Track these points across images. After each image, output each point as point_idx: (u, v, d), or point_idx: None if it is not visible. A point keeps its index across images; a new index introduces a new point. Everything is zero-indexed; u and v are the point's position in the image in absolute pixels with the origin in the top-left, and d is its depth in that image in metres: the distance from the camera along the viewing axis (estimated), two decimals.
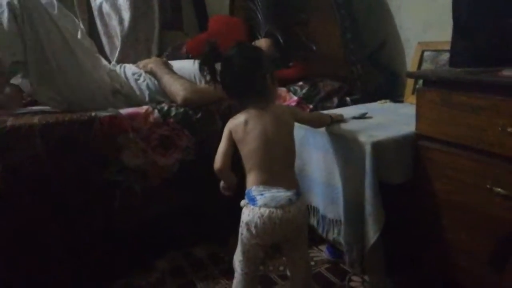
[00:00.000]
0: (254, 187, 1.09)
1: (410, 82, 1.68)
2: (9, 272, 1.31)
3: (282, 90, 1.81)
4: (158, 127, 1.51)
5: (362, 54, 1.87)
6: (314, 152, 1.45)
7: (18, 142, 1.30)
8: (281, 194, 1.07)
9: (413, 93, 1.62)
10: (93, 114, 1.43)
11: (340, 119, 1.40)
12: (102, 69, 1.72)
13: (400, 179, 1.23)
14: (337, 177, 1.31)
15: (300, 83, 1.90)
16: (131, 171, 1.47)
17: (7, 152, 1.28)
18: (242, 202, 1.12)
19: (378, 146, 1.20)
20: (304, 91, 1.83)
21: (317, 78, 1.94)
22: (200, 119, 1.58)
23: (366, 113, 1.46)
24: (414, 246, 1.25)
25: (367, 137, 1.24)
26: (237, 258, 1.14)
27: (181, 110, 1.57)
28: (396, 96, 1.74)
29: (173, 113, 1.55)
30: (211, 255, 1.57)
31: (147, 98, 1.70)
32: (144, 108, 1.53)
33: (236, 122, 1.15)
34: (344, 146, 1.30)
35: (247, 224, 1.08)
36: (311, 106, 1.77)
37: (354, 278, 1.36)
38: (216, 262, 1.53)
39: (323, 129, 1.40)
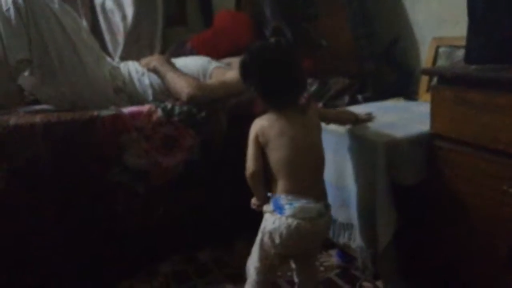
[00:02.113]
0: (283, 196, 1.08)
1: (424, 79, 1.68)
2: (11, 274, 1.35)
3: None
4: (162, 126, 1.53)
5: (374, 50, 1.88)
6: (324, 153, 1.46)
7: (20, 142, 1.33)
8: (311, 206, 1.06)
9: (427, 91, 1.62)
10: (95, 113, 1.46)
11: (367, 119, 1.36)
12: (105, 66, 1.75)
13: (414, 180, 1.24)
14: (348, 179, 1.32)
15: (309, 80, 1.91)
16: (133, 171, 1.49)
17: (10, 151, 1.31)
18: (266, 208, 1.11)
19: (391, 146, 1.21)
20: (313, 88, 1.84)
21: (327, 75, 1.95)
22: (205, 118, 1.60)
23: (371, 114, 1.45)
24: (428, 249, 1.26)
25: (379, 136, 1.24)
26: (253, 265, 1.13)
27: (185, 108, 1.58)
28: (410, 94, 1.75)
29: (177, 111, 1.57)
30: (215, 259, 1.59)
31: (150, 97, 1.72)
32: (147, 107, 1.55)
33: (264, 124, 1.11)
34: (355, 146, 1.31)
35: (270, 232, 1.07)
36: (320, 104, 1.78)
37: (365, 284, 1.36)
38: (221, 266, 1.54)
39: (332, 128, 1.41)
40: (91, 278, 1.42)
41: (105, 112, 1.48)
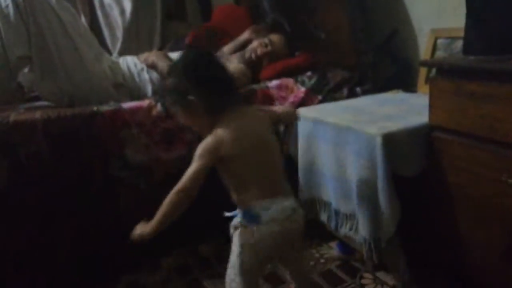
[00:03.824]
0: (254, 204, 1.02)
1: (423, 71, 1.69)
2: (14, 269, 1.36)
3: (289, 81, 1.82)
4: (162, 121, 1.54)
5: (373, 43, 1.88)
6: (323, 145, 1.47)
7: (21, 138, 1.34)
8: (285, 204, 1.04)
9: (426, 83, 1.63)
10: (95, 108, 1.47)
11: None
12: (105, 62, 1.75)
13: (413, 171, 1.25)
14: (349, 171, 1.33)
15: (308, 73, 1.91)
16: (134, 167, 1.50)
17: (11, 148, 1.32)
18: (236, 224, 1.05)
19: (389, 138, 1.22)
20: (312, 81, 1.84)
21: (326, 68, 1.95)
22: None
23: None
24: (427, 240, 1.27)
25: (378, 129, 1.25)
26: (235, 280, 1.06)
27: None
28: (408, 86, 1.75)
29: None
30: (217, 253, 1.60)
31: (150, 92, 1.73)
32: (147, 102, 1.56)
33: (222, 135, 1.02)
34: (354, 138, 1.31)
35: (251, 246, 1.02)
36: (320, 98, 1.79)
37: (366, 275, 1.38)
38: (222, 259, 1.55)
39: (330, 121, 1.42)
40: (94, 273, 1.44)
41: (105, 108, 1.49)
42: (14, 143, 1.33)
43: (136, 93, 1.72)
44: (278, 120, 1.25)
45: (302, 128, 1.57)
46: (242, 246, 1.03)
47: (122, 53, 2.21)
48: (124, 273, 1.50)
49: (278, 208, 1.03)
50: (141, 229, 1.04)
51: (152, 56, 1.78)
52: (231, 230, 1.08)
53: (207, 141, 1.02)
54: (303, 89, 1.80)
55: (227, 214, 1.13)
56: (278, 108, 1.33)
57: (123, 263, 1.50)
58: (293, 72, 1.92)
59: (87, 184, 1.44)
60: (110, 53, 2.23)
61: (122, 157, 1.48)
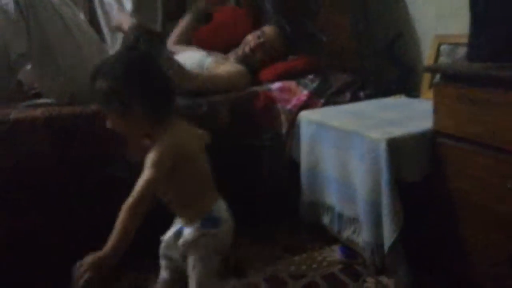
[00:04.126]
0: (213, 208, 1.04)
1: (426, 76, 1.70)
2: (17, 267, 1.35)
3: (292, 83, 1.83)
4: None
5: (375, 47, 1.89)
6: (326, 149, 1.48)
7: (23, 135, 1.33)
8: (223, 202, 1.08)
9: (430, 88, 1.64)
10: (97, 107, 1.46)
11: None
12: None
13: (417, 176, 1.26)
14: (352, 175, 1.34)
15: (311, 76, 1.91)
16: (133, 166, 1.48)
17: (13, 146, 1.31)
18: (191, 238, 1.01)
19: (394, 143, 1.23)
20: (315, 84, 1.84)
21: (328, 71, 1.96)
22: (206, 112, 1.60)
23: None
24: (431, 246, 1.28)
25: (382, 134, 1.26)
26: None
27: (188, 102, 1.58)
28: (411, 91, 1.76)
29: (180, 104, 1.57)
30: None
31: None
32: None
33: (174, 140, 0.99)
34: (358, 142, 1.32)
35: (215, 248, 1.03)
36: (322, 101, 1.79)
37: (368, 279, 1.38)
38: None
39: (333, 124, 1.43)
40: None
41: None
42: (16, 142, 1.32)
43: None
44: None
45: (305, 131, 1.57)
46: (207, 249, 1.02)
47: None
48: (123, 273, 1.48)
49: (224, 208, 1.07)
50: (94, 258, 0.87)
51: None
52: (183, 248, 1.03)
53: (160, 148, 0.96)
54: (305, 92, 1.81)
55: (165, 236, 1.10)
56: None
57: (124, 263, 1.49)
58: (294, 75, 1.92)
59: (83, 183, 1.43)
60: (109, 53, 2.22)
61: (122, 157, 1.47)
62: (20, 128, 1.33)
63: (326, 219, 1.53)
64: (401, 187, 1.23)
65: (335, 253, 1.53)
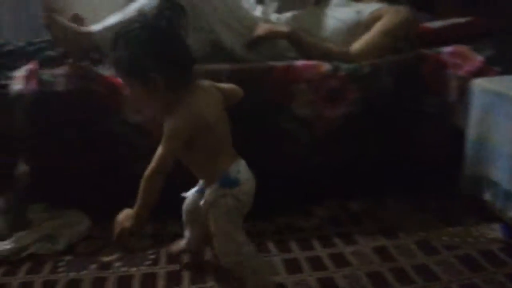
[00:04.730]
0: (230, 169, 1.07)
1: None
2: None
3: (464, 48, 1.70)
4: (328, 79, 1.60)
5: None
6: (502, 121, 1.38)
7: None
8: (244, 163, 1.12)
9: None
10: (270, 63, 1.60)
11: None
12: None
13: None
14: None
15: (485, 40, 1.75)
16: (299, 120, 1.60)
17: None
18: (212, 198, 1.07)
19: None
20: (490, 51, 1.69)
21: (506, 36, 1.76)
22: (369, 74, 1.62)
23: None
24: None
25: None
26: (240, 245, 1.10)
27: (352, 65, 1.63)
28: None
29: (343, 66, 1.62)
30: (366, 210, 1.66)
31: None
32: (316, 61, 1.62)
33: (193, 108, 1.01)
34: None
35: (236, 208, 1.08)
36: (498, 69, 1.64)
37: None
38: (372, 218, 1.62)
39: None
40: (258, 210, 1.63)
41: (279, 63, 1.60)
42: None
43: None
44: (226, 96, 1.16)
45: (478, 100, 1.49)
46: (228, 213, 1.07)
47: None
48: (279, 215, 1.65)
49: (244, 168, 1.10)
50: (124, 223, 1.03)
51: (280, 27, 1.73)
52: (205, 208, 1.10)
53: (179, 119, 0.99)
54: (480, 58, 1.67)
55: (186, 194, 1.21)
56: (225, 85, 1.22)
57: (280, 206, 1.66)
58: (464, 38, 1.78)
59: (260, 131, 1.59)
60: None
61: (290, 110, 1.59)
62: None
63: (488, 195, 1.46)
64: None
65: (493, 231, 1.47)
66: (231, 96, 1.17)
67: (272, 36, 1.69)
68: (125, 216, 1.04)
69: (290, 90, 1.58)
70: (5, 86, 1.37)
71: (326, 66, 1.61)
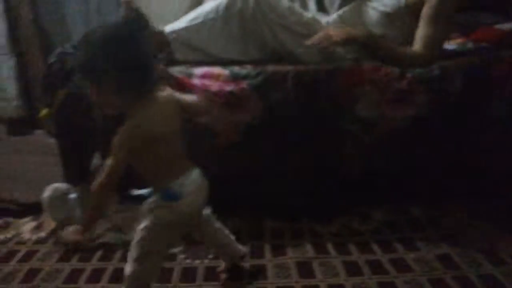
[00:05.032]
0: (174, 183, 1.08)
1: None
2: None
3: None
4: (395, 81, 1.57)
5: None
6: None
7: (274, 85, 1.56)
8: (193, 176, 1.12)
9: None
10: (336, 65, 1.60)
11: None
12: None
13: None
14: None
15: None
16: (363, 122, 1.59)
17: (267, 93, 1.56)
18: (151, 205, 1.10)
19: None
20: None
21: None
22: (438, 76, 1.57)
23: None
24: None
25: None
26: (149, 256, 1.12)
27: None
28: None
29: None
30: (427, 216, 1.63)
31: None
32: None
33: (142, 119, 1.01)
34: None
35: (168, 222, 1.10)
36: None
37: None
38: (434, 224, 1.59)
39: None
40: (312, 209, 1.66)
41: (344, 65, 1.61)
42: (269, 89, 1.56)
43: None
44: (186, 108, 1.15)
45: None
46: (157, 224, 1.09)
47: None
48: (337, 215, 1.66)
49: (190, 182, 1.10)
50: (72, 233, 1.06)
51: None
52: (143, 212, 1.12)
53: (126, 130, 1.00)
54: None
55: (137, 192, 1.24)
56: (188, 97, 1.21)
57: (339, 206, 1.67)
58: None
59: (320, 131, 1.60)
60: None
61: (353, 112, 1.58)
62: (274, 78, 1.56)
63: None
64: None
65: None
66: (192, 110, 1.19)
67: (350, 41, 1.63)
68: (73, 230, 1.08)
69: (354, 92, 1.57)
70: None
71: (392, 68, 1.59)
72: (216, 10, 1.70)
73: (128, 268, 1.13)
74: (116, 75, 0.98)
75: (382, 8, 1.77)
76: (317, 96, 1.57)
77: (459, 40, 1.91)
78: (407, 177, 1.68)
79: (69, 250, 1.13)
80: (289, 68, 1.59)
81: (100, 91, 1.00)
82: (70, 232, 1.07)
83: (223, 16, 1.69)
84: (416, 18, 1.69)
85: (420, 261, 1.38)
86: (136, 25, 1.02)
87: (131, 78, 1.00)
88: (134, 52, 1.00)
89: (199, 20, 1.72)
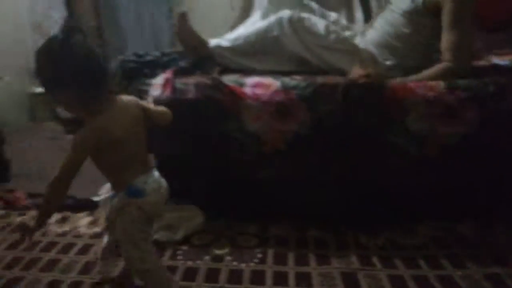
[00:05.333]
0: (137, 180, 1.13)
1: None
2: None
3: None
4: (444, 95, 1.57)
5: None
6: None
7: (323, 97, 1.60)
8: (155, 177, 1.18)
9: None
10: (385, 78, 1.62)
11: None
12: None
13: None
14: None
15: None
16: (412, 135, 1.59)
17: (315, 103, 1.60)
18: (119, 205, 1.14)
19: None
20: None
21: None
22: (492, 92, 1.56)
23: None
24: None
25: None
26: (144, 252, 1.16)
27: (473, 82, 1.59)
28: None
29: (461, 82, 1.58)
30: (477, 235, 1.60)
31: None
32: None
33: (101, 123, 1.06)
34: None
35: (139, 217, 1.14)
36: None
37: None
38: (482, 243, 1.55)
39: None
40: (356, 222, 1.67)
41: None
42: (318, 101, 1.60)
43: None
44: (150, 116, 1.21)
45: None
46: (130, 222, 1.14)
47: None
48: (382, 228, 1.65)
49: (152, 180, 1.16)
50: (26, 224, 1.17)
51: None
52: (113, 215, 1.17)
53: (85, 132, 1.05)
54: None
55: (97, 198, 1.30)
56: (152, 106, 1.28)
57: (382, 219, 1.67)
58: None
59: (365, 144, 1.62)
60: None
61: (403, 125, 1.58)
62: (323, 90, 1.60)
63: None
64: None
65: None
66: (158, 118, 1.23)
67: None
68: (25, 225, 1.22)
69: (404, 104, 1.58)
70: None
71: (442, 84, 1.59)
72: (256, 34, 1.85)
73: (144, 277, 1.22)
74: (76, 86, 1.02)
75: (398, 12, 1.81)
76: (365, 108, 1.59)
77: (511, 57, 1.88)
78: (455, 193, 1.65)
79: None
80: (338, 79, 1.62)
81: (57, 100, 1.09)
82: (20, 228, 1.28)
83: (262, 42, 1.83)
84: (435, 17, 1.71)
85: (468, 279, 1.36)
86: (69, 33, 1.02)
87: (89, 86, 1.04)
88: (69, 61, 1.01)
89: (240, 41, 1.86)
